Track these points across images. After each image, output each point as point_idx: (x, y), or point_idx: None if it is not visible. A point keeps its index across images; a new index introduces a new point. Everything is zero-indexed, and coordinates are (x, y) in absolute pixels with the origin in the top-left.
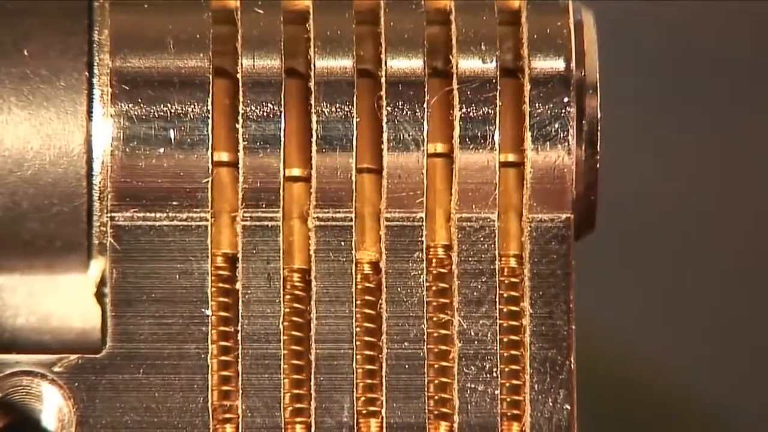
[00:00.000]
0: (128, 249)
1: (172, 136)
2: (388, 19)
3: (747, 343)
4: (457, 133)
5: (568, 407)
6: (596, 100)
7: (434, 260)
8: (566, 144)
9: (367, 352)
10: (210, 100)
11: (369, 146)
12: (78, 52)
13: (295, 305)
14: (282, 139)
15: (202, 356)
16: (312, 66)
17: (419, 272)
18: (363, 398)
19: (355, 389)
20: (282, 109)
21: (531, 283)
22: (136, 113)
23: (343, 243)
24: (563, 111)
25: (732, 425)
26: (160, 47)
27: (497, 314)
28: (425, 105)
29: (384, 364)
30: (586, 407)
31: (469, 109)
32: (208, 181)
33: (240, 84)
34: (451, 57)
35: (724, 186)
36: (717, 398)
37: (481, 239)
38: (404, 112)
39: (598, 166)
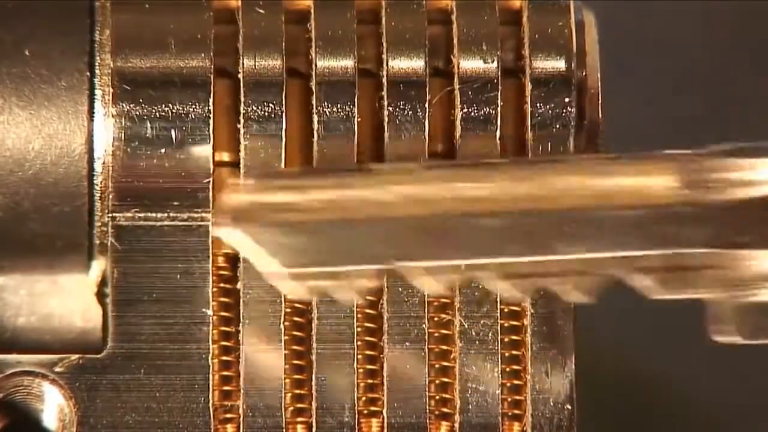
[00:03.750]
0: (129, 249)
1: (174, 136)
2: (389, 19)
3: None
4: (458, 133)
5: (569, 407)
6: (597, 100)
7: None
8: (567, 144)
9: (368, 352)
10: (211, 100)
11: (370, 146)
12: (79, 52)
13: (296, 305)
14: (283, 139)
15: (203, 356)
16: (313, 66)
17: None
18: (364, 398)
19: (356, 389)
20: (283, 109)
21: None
22: (137, 113)
23: None
24: (564, 111)
25: (732, 426)
26: (161, 47)
27: (498, 314)
28: (426, 105)
29: (385, 364)
30: (587, 407)
31: (470, 109)
32: (209, 182)
33: (241, 84)
34: (452, 57)
35: None
36: (717, 397)
37: None
38: (405, 112)
39: None
